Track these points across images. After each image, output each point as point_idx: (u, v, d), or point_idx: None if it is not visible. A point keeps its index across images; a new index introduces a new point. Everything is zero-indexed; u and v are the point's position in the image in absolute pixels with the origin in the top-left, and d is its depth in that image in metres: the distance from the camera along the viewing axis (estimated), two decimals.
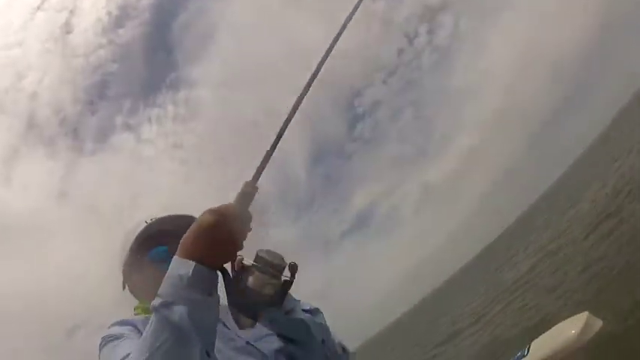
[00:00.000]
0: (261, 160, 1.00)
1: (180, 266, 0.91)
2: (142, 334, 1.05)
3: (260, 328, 1.21)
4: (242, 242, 0.95)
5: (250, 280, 0.97)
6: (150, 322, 0.91)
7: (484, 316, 13.46)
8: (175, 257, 0.93)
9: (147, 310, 1.23)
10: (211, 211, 0.93)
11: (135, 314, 1.32)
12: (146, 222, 1.39)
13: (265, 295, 0.98)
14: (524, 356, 4.56)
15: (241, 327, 1.06)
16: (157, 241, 1.34)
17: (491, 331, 10.97)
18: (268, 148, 1.00)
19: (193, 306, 0.89)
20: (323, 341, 1.22)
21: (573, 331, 4.34)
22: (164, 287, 0.92)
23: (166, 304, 0.89)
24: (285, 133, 1.03)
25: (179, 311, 0.88)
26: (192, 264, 0.90)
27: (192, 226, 0.94)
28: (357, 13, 1.27)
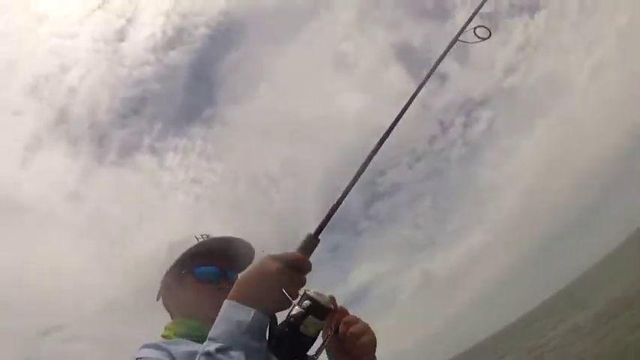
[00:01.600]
0: (326, 214, 1.01)
1: (239, 311, 0.91)
2: None
3: None
4: (297, 290, 0.96)
5: (303, 325, 0.93)
6: None
7: None
8: (232, 302, 0.93)
9: (179, 333, 1.19)
10: (276, 258, 0.94)
11: (163, 335, 1.23)
12: (197, 238, 1.32)
13: (311, 339, 0.96)
14: None
15: None
16: (206, 259, 1.28)
17: None
18: (334, 203, 1.03)
19: (250, 353, 0.88)
20: None
21: None
22: (219, 331, 0.91)
23: (223, 350, 0.88)
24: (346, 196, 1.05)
25: (236, 357, 0.87)
26: (252, 311, 0.90)
27: (253, 270, 0.96)
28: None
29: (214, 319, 0.99)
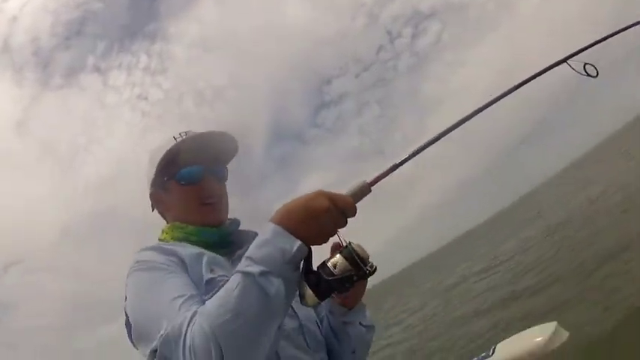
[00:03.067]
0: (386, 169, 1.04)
1: (285, 240, 0.89)
2: (187, 267, 1.04)
3: (316, 311, 1.26)
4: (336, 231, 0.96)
5: (338, 264, 0.94)
6: (236, 282, 0.87)
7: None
8: (278, 228, 0.90)
9: (175, 237, 1.18)
10: (327, 197, 0.92)
11: (160, 239, 1.22)
12: (175, 138, 1.25)
13: (343, 284, 0.94)
14: (489, 356, 4.59)
15: (303, 301, 0.96)
16: (187, 159, 1.22)
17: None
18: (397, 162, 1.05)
19: (288, 282, 0.89)
20: (354, 352, 1.24)
21: (540, 339, 4.40)
22: (261, 254, 0.89)
23: (264, 274, 0.86)
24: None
25: (276, 285, 0.86)
26: (297, 242, 0.89)
27: (302, 201, 0.92)
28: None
29: (206, 223, 1.19)
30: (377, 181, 1.00)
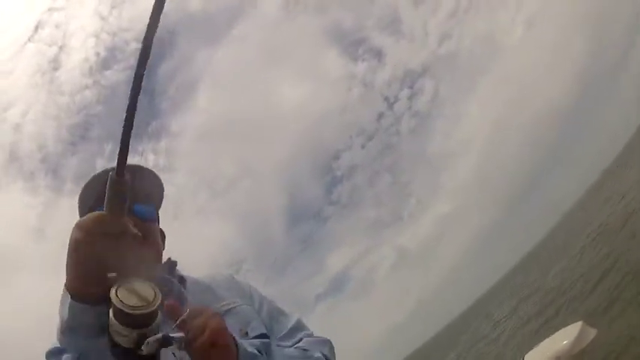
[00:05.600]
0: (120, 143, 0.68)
1: (62, 303, 0.74)
2: None
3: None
4: (119, 261, 0.70)
5: (110, 324, 0.67)
6: None
7: None
8: (63, 290, 0.74)
9: None
10: (79, 227, 0.70)
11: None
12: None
13: (121, 348, 0.67)
14: None
15: None
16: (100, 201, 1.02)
17: None
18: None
19: (84, 355, 0.74)
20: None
21: (567, 341, 4.23)
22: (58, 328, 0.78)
23: (53, 353, 0.82)
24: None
25: None
26: (66, 302, 0.72)
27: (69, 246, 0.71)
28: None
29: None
30: (122, 166, 0.67)
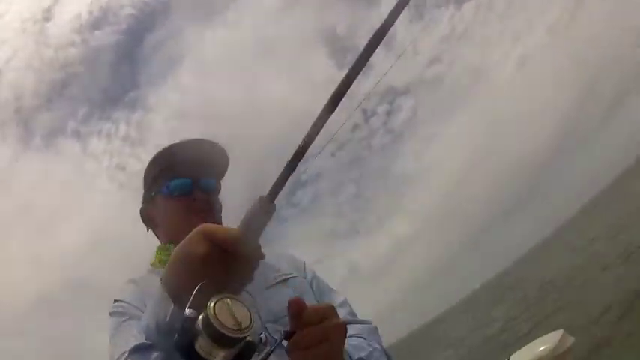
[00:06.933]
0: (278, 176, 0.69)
1: (161, 304, 0.72)
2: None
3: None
4: (235, 279, 0.69)
5: (199, 342, 0.65)
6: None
7: None
8: (161, 289, 0.73)
9: (163, 260, 1.10)
10: (205, 235, 0.68)
11: (151, 263, 1.14)
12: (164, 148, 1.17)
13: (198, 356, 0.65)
14: None
15: None
16: (173, 172, 1.13)
17: None
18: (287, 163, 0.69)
19: (171, 356, 0.69)
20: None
21: (548, 345, 4.94)
22: (142, 324, 0.78)
23: (138, 349, 0.81)
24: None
25: None
26: (170, 306, 0.71)
27: (180, 252, 0.70)
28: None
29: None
30: (275, 194, 0.68)
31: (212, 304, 0.64)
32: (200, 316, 0.64)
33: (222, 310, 0.64)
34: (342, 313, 0.96)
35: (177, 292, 0.70)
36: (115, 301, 1.01)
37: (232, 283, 0.68)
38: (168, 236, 1.15)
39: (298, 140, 0.69)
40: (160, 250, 1.15)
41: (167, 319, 0.71)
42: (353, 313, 1.11)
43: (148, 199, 1.19)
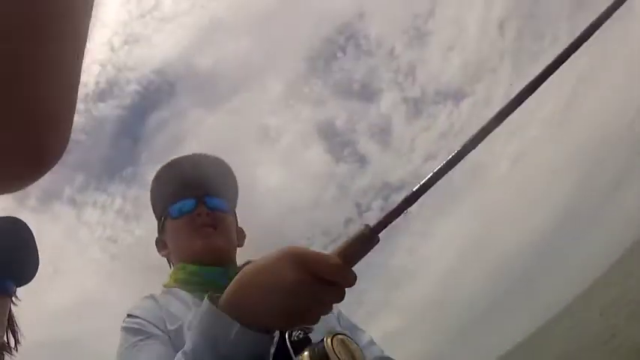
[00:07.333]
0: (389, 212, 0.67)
1: (218, 323, 0.68)
2: (166, 335, 0.92)
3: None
4: (322, 309, 0.67)
5: None
6: None
7: None
8: (211, 307, 0.69)
9: (178, 280, 1.09)
10: (295, 258, 0.65)
11: (164, 285, 1.11)
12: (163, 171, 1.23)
13: None
14: None
15: None
16: (175, 194, 1.14)
17: None
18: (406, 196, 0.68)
19: None
20: None
21: None
22: (191, 344, 0.71)
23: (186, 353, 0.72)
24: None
25: None
26: (235, 325, 0.66)
27: (253, 272, 0.69)
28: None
29: (202, 252, 1.06)
30: (384, 226, 0.65)
31: (329, 339, 0.71)
32: (313, 349, 0.71)
33: (340, 346, 0.71)
34: (374, 352, 1.03)
35: (243, 314, 0.67)
36: (129, 315, 0.99)
37: (317, 313, 0.67)
38: (179, 257, 1.14)
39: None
40: (176, 269, 1.13)
41: (231, 338, 0.67)
42: (381, 350, 1.09)
43: (160, 229, 1.19)
